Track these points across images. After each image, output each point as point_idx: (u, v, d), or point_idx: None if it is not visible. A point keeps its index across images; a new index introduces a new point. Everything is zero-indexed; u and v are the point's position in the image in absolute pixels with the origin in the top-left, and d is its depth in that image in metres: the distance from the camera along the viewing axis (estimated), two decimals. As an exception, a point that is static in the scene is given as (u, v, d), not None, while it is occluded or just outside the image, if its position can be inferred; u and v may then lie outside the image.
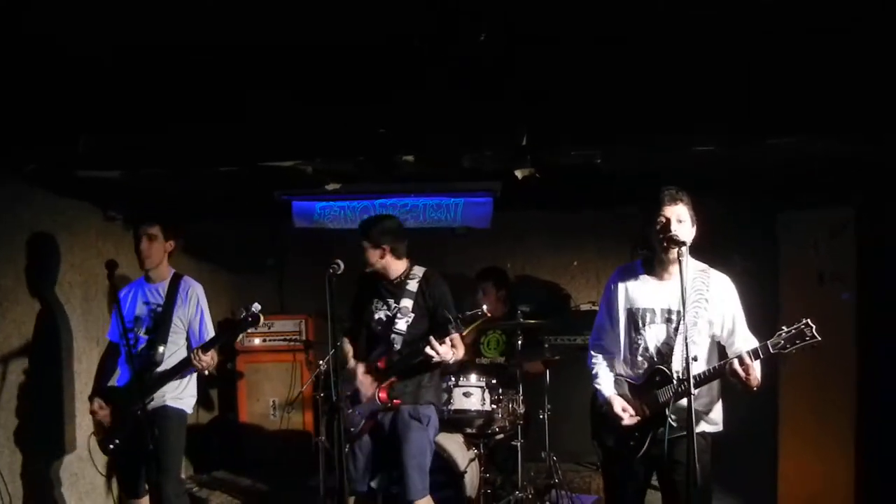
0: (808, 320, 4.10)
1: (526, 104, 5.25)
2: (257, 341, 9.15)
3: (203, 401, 9.37)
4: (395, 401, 5.65)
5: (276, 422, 9.01)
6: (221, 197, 7.91)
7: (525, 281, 9.56)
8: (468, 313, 5.50)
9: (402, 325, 5.74)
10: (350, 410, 5.71)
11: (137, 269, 6.13)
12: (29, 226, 6.50)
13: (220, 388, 9.66)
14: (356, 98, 5.19)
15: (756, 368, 4.25)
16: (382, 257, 5.76)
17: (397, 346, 5.74)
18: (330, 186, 7.07)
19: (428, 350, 5.41)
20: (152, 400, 5.69)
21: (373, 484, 5.98)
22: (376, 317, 5.82)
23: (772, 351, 4.15)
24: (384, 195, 7.96)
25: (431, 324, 5.73)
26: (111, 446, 5.71)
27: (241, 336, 8.63)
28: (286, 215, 8.11)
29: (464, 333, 5.61)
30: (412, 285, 5.81)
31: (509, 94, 5.12)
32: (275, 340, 9.01)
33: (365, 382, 5.70)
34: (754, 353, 4.20)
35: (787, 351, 4.13)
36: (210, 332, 5.96)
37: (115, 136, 5.59)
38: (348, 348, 6.04)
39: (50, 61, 4.49)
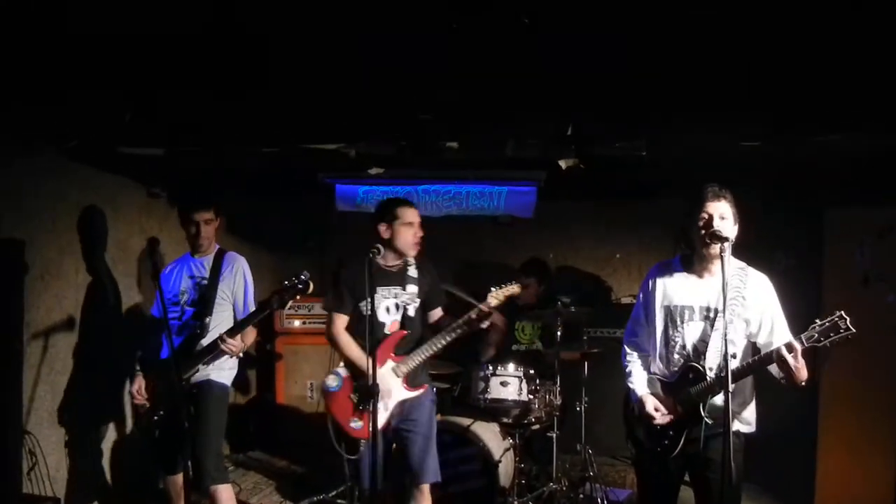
0: (842, 312, 4.00)
1: (571, 94, 5.19)
2: (297, 323, 9.19)
3: (241, 381, 9.43)
4: (423, 386, 5.61)
5: (314, 404, 9.04)
6: (265, 177, 7.93)
7: (567, 272, 9.52)
8: (503, 287, 5.48)
9: (412, 311, 5.64)
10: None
11: (180, 247, 6.16)
12: (72, 201, 6.55)
13: (258, 369, 9.72)
14: (399, 83, 5.16)
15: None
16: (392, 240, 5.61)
17: (409, 332, 5.62)
18: (373, 171, 7.06)
19: (484, 324, 5.45)
20: (197, 371, 5.74)
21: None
22: (384, 305, 5.57)
23: (805, 344, 4.06)
24: (427, 181, 7.94)
25: (426, 307, 5.75)
26: (155, 417, 5.74)
27: (284, 308, 8.60)
28: (329, 198, 8.12)
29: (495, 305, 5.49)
30: (412, 271, 5.69)
31: (555, 84, 5.06)
32: (314, 323, 9.04)
33: (387, 375, 5.49)
34: (787, 347, 4.10)
35: (821, 344, 4.03)
36: (253, 307, 5.96)
37: (158, 114, 5.59)
38: (353, 342, 5.66)
39: (93, 37, 4.48)
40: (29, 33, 4.40)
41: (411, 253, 5.61)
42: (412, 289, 5.65)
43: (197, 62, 4.92)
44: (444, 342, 5.50)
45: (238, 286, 6.00)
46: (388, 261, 5.61)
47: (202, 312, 5.86)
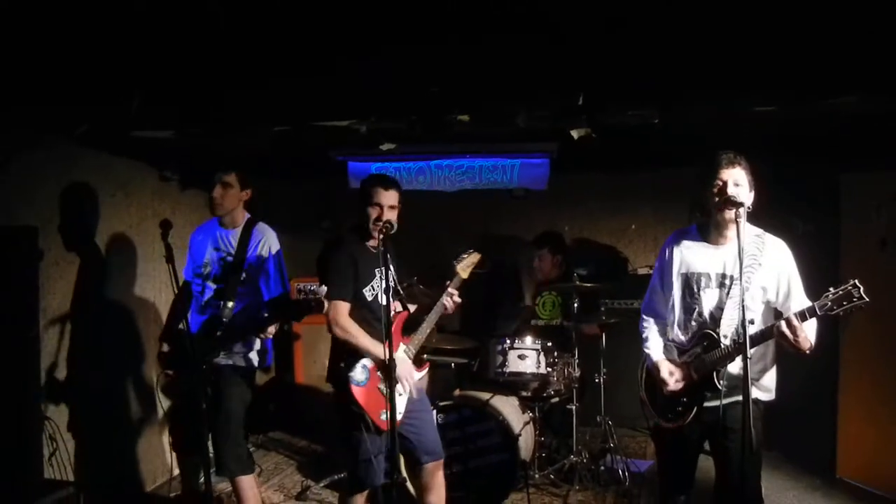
0: (856, 281, 3.97)
1: (582, 63, 5.14)
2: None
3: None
4: (426, 364, 5.58)
5: (333, 383, 9.02)
6: (277, 157, 7.89)
7: (583, 244, 9.49)
8: (464, 257, 5.64)
9: (401, 290, 5.47)
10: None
11: (193, 230, 6.11)
12: (84, 187, 6.54)
13: (277, 349, 9.69)
14: (410, 55, 5.12)
15: (807, 329, 4.14)
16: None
17: (399, 313, 5.48)
18: (385, 146, 7.02)
19: (456, 300, 5.47)
20: (218, 355, 5.56)
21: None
22: (383, 288, 5.01)
23: (819, 313, 4.04)
24: (440, 156, 7.92)
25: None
26: (176, 393, 5.68)
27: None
28: (342, 176, 8.09)
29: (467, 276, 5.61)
30: (385, 251, 4.99)
31: (565, 53, 5.02)
32: (331, 303, 9.03)
33: (402, 359, 5.26)
34: (801, 315, 4.09)
35: (834, 312, 4.00)
36: (280, 285, 5.75)
37: (168, 96, 5.56)
38: (365, 334, 5.21)
39: (99, 19, 4.46)
40: (36, 22, 4.40)
41: (373, 235, 5.19)
42: (393, 267, 5.15)
43: (205, 42, 4.90)
44: (435, 320, 5.45)
45: (264, 264, 5.75)
46: (374, 242, 5.26)
47: (224, 293, 5.64)
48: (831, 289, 4.02)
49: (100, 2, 4.26)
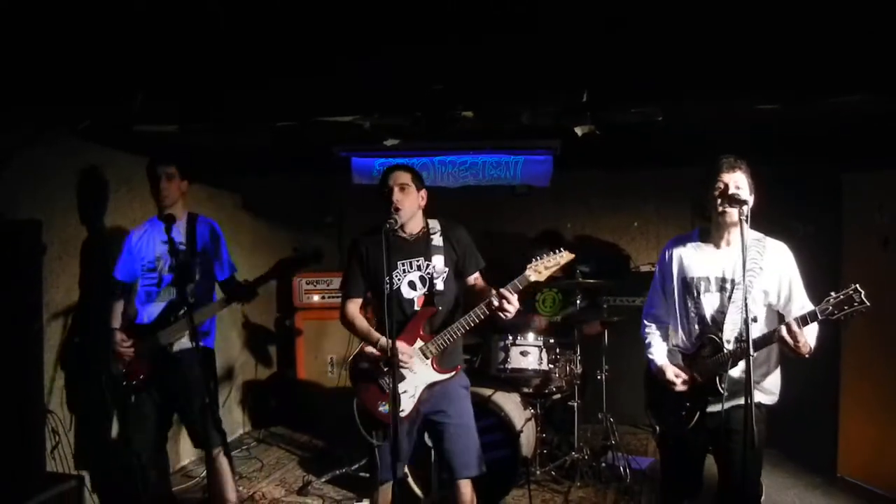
0: (857, 286, 3.99)
1: (586, 60, 5.14)
2: (316, 298, 9.17)
3: (262, 357, 9.45)
4: (454, 368, 5.07)
5: (334, 379, 9.03)
6: (280, 153, 7.90)
7: (585, 241, 9.50)
8: (546, 256, 4.86)
9: (440, 285, 5.02)
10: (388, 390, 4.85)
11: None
12: (88, 182, 6.56)
13: (278, 344, 9.73)
14: (411, 55, 5.12)
15: (807, 335, 4.16)
16: (421, 206, 5.12)
17: (439, 308, 5.03)
18: (388, 142, 7.03)
19: (506, 305, 4.67)
20: (181, 337, 5.68)
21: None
22: (407, 280, 5.02)
23: (820, 317, 4.06)
24: (443, 152, 7.92)
25: (458, 276, 5.17)
26: (134, 382, 5.70)
27: (301, 291, 8.67)
28: (345, 171, 8.09)
29: (543, 279, 4.88)
30: (437, 239, 5.09)
31: (566, 52, 5.01)
32: (334, 297, 8.97)
33: (415, 356, 4.93)
34: (802, 320, 4.11)
35: (835, 317, 4.03)
36: (231, 266, 6.04)
37: (171, 91, 5.57)
38: (363, 322, 5.18)
39: (99, 20, 4.46)
40: (37, 22, 4.40)
41: (394, 216, 4.82)
42: (438, 259, 5.05)
43: (205, 42, 4.90)
44: (476, 320, 4.84)
45: (215, 249, 5.95)
46: (407, 230, 5.09)
47: (183, 279, 5.65)
48: (832, 293, 4.04)
49: (100, 2, 4.26)
